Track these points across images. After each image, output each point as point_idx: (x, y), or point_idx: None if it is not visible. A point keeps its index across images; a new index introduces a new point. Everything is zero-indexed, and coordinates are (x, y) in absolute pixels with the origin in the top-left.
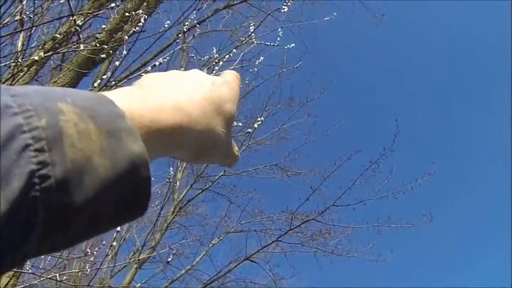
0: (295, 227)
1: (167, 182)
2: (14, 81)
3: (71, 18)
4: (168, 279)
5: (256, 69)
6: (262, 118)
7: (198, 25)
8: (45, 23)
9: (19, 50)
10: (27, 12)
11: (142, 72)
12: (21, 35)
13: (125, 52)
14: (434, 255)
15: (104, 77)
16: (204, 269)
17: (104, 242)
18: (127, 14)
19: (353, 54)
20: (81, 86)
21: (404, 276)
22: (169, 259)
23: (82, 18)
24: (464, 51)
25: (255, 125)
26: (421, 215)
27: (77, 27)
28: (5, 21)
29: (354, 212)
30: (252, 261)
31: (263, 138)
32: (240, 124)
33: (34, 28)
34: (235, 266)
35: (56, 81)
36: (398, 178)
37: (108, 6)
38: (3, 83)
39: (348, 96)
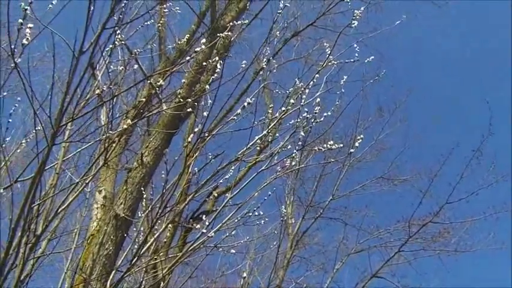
0: (414, 234)
1: (282, 219)
2: (108, 154)
3: (147, 81)
4: None
5: (342, 90)
6: (362, 136)
7: (273, 58)
8: (124, 91)
9: (104, 123)
10: (105, 87)
11: (231, 118)
12: (104, 109)
13: (210, 101)
14: None
15: (196, 130)
16: None
17: None
18: (203, 63)
19: (428, 51)
20: (173, 144)
21: None
22: None
23: (161, 78)
24: None
25: (356, 144)
26: None
27: (156, 89)
28: (87, 98)
29: (470, 205)
30: (378, 277)
31: (362, 155)
32: (342, 145)
33: (115, 99)
34: (364, 286)
35: (147, 146)
36: (504, 161)
37: (182, 61)
38: (98, 158)
39: (433, 93)
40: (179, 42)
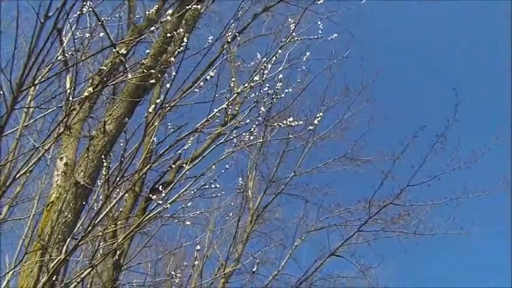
0: (374, 214)
1: (238, 192)
2: (70, 120)
3: (114, 49)
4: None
5: (305, 67)
6: (321, 113)
7: (240, 34)
8: (88, 57)
9: (68, 89)
10: (69, 52)
11: (195, 89)
12: (68, 76)
13: (174, 73)
14: None
15: (158, 101)
16: (291, 272)
17: (186, 263)
18: (168, 35)
19: (399, 32)
20: (138, 115)
21: (490, 247)
22: (253, 269)
23: (125, 48)
24: None
25: (315, 121)
26: (496, 181)
27: (122, 57)
28: (51, 63)
29: (431, 189)
30: (337, 255)
31: (327, 133)
32: (301, 122)
33: (79, 65)
34: (321, 264)
35: (111, 114)
36: (467, 147)
37: (149, 30)
38: (59, 123)
39: (402, 75)
40: (148, 12)
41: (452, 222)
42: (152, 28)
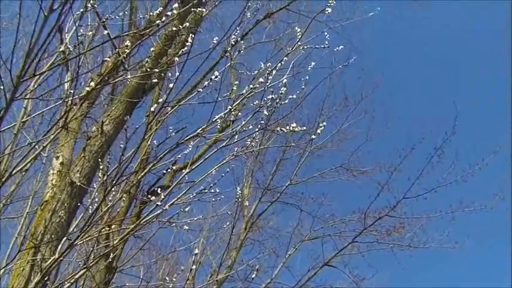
0: (369, 226)
1: (236, 201)
2: (68, 118)
3: (115, 49)
4: None
5: (308, 76)
6: (324, 123)
7: (242, 39)
8: (89, 51)
9: (67, 86)
10: (70, 46)
11: (195, 94)
12: (68, 74)
13: (177, 73)
14: None
15: (160, 100)
16: (284, 281)
17: (182, 268)
18: (172, 36)
19: (401, 46)
20: (136, 118)
21: (483, 262)
22: (252, 275)
23: (126, 47)
24: None
25: (318, 131)
26: (492, 195)
27: (123, 56)
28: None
29: (427, 202)
30: (330, 266)
31: (324, 142)
32: (304, 128)
33: (80, 64)
34: (315, 274)
35: (109, 115)
36: (464, 161)
37: (150, 30)
38: (58, 120)
39: (402, 87)
40: (151, 14)
41: (447, 236)
42: (153, 27)
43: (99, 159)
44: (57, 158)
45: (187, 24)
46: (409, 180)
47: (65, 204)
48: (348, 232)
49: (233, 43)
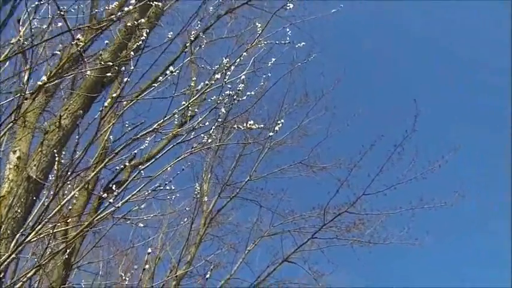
0: (329, 222)
1: (194, 197)
2: (20, 111)
3: (73, 40)
4: None
5: (268, 72)
6: (282, 120)
7: (203, 34)
8: (45, 41)
9: (25, 82)
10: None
11: (154, 89)
12: (26, 66)
13: (131, 68)
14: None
15: (114, 95)
16: (244, 277)
17: (136, 266)
18: (129, 29)
19: (362, 43)
20: (95, 112)
21: (443, 258)
22: (207, 274)
23: (84, 38)
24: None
25: (276, 128)
26: (452, 192)
27: (80, 47)
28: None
29: (387, 198)
30: (290, 261)
31: (284, 138)
32: (262, 126)
33: (37, 57)
34: (274, 269)
35: (67, 109)
36: (424, 159)
37: (109, 22)
38: (11, 114)
39: (363, 84)
40: (111, 7)
41: (407, 232)
42: (112, 17)
43: (57, 154)
44: (14, 152)
45: (147, 18)
46: (369, 177)
47: (22, 199)
48: (308, 228)
49: (193, 38)
